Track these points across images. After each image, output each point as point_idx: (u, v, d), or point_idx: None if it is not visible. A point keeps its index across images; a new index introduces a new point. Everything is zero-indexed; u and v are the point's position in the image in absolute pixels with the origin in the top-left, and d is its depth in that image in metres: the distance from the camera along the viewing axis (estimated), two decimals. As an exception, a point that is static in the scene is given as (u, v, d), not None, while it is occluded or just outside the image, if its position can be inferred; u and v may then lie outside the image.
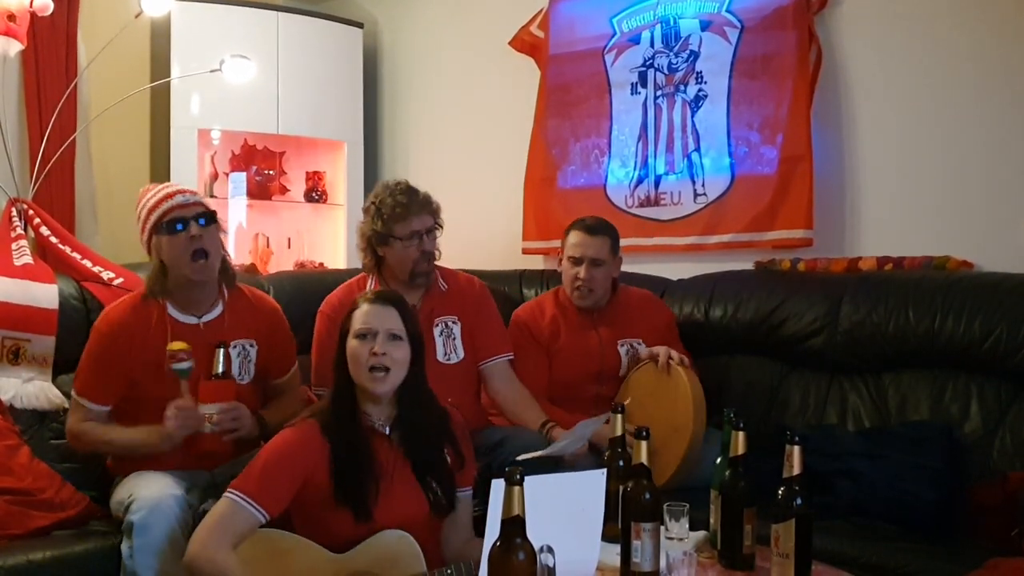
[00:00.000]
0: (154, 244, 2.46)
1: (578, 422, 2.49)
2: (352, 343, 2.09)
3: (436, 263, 2.81)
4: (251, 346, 2.58)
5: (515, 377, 2.85)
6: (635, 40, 3.73)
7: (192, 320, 2.50)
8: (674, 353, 2.77)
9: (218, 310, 2.54)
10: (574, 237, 2.97)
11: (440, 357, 2.74)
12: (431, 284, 2.80)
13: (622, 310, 3.03)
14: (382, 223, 2.71)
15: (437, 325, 2.77)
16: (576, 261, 2.95)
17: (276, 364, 2.66)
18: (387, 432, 2.12)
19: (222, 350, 2.42)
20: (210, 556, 1.90)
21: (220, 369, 2.41)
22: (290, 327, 2.73)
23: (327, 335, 2.69)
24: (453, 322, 2.80)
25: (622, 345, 2.97)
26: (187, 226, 2.40)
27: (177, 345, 2.34)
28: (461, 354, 2.79)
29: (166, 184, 2.52)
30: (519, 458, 2.41)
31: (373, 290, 2.18)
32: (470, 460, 2.24)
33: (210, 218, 2.45)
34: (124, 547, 2.21)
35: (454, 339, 2.78)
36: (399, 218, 2.69)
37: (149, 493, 2.23)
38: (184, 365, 2.33)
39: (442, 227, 2.79)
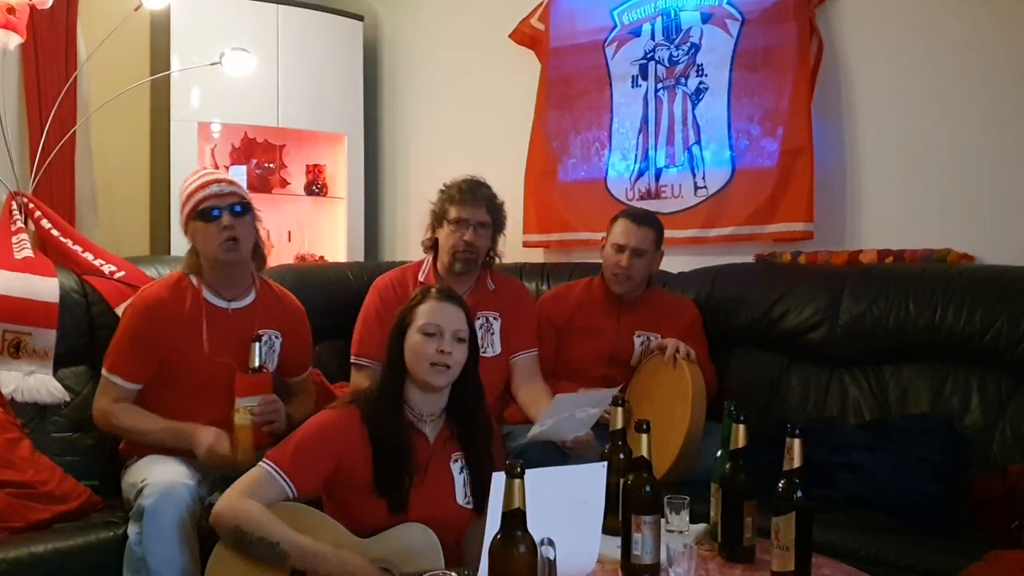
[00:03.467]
0: (190, 229, 2.53)
1: (553, 400, 2.48)
2: (416, 337, 2.12)
3: (493, 266, 2.95)
4: (276, 337, 2.64)
5: (539, 373, 2.91)
6: (636, 33, 3.72)
7: (223, 304, 2.57)
8: (682, 346, 2.78)
9: (250, 298, 2.62)
10: (620, 225, 3.02)
11: None
12: (479, 280, 2.92)
13: (649, 306, 3.06)
14: (441, 203, 2.89)
15: (479, 318, 2.83)
16: (619, 248, 2.99)
17: (294, 362, 2.72)
18: (424, 428, 2.15)
19: (257, 344, 2.46)
20: (233, 505, 1.96)
21: (257, 363, 2.46)
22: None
23: (373, 309, 2.88)
24: (494, 318, 2.89)
25: (638, 336, 2.99)
26: (221, 215, 2.47)
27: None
28: (498, 349, 2.88)
29: (206, 171, 2.60)
30: (515, 444, 2.42)
31: (440, 287, 2.19)
32: (500, 466, 2.24)
33: (245, 208, 2.52)
34: (132, 532, 2.23)
35: (493, 334, 2.87)
36: (455, 202, 2.85)
37: (162, 479, 2.25)
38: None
39: (500, 230, 2.92)
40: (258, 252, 2.62)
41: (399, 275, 2.97)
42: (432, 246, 2.94)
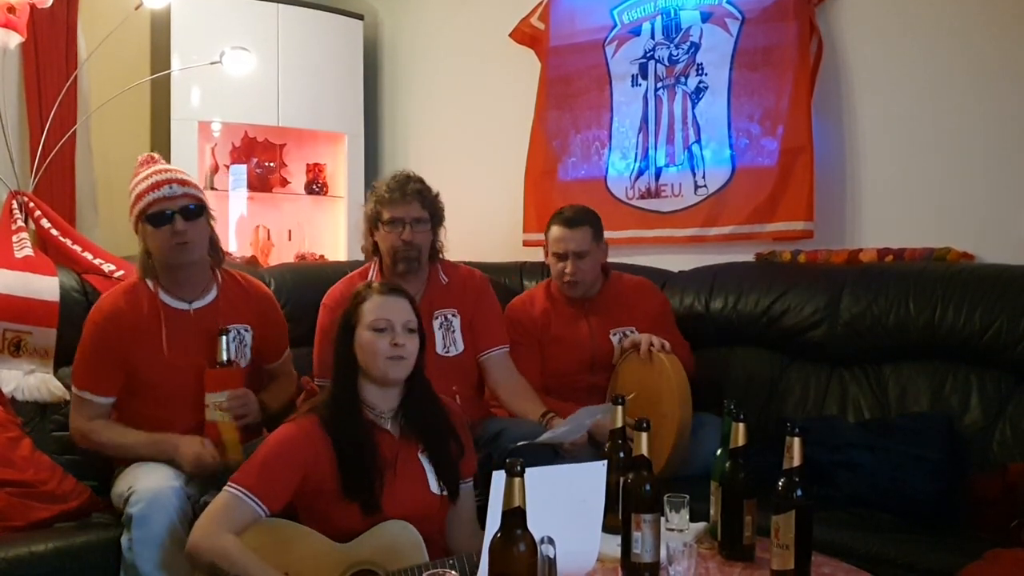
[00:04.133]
0: (140, 231, 2.47)
1: (579, 409, 2.49)
2: (367, 335, 2.10)
3: (441, 258, 2.84)
4: (246, 331, 2.58)
5: (514, 368, 2.86)
6: (636, 32, 3.72)
7: (183, 306, 2.50)
8: (655, 339, 2.75)
9: (211, 296, 2.55)
10: (555, 232, 2.97)
11: (440, 350, 2.75)
12: (431, 277, 2.82)
13: (613, 298, 3.03)
14: (373, 206, 2.77)
15: (437, 318, 2.78)
16: (560, 256, 2.95)
17: (269, 349, 2.67)
18: (387, 425, 2.13)
19: (225, 337, 2.43)
20: (209, 541, 1.92)
21: (225, 357, 2.43)
22: (286, 317, 2.77)
23: (330, 327, 2.72)
24: (452, 315, 2.81)
25: (614, 334, 2.97)
26: (172, 220, 2.40)
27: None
28: (461, 347, 2.79)
29: (155, 169, 2.49)
30: (519, 444, 2.42)
31: (380, 282, 2.18)
32: (470, 450, 2.25)
33: (196, 210, 2.44)
34: (124, 539, 2.22)
35: (453, 332, 2.79)
36: (386, 203, 2.74)
37: (148, 485, 2.23)
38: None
39: (439, 222, 2.80)
40: (215, 249, 2.55)
41: (347, 286, 2.80)
42: (374, 251, 2.82)
